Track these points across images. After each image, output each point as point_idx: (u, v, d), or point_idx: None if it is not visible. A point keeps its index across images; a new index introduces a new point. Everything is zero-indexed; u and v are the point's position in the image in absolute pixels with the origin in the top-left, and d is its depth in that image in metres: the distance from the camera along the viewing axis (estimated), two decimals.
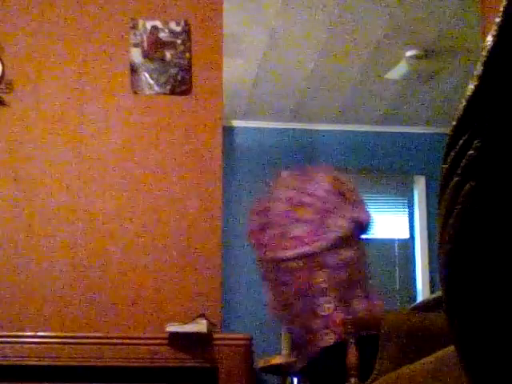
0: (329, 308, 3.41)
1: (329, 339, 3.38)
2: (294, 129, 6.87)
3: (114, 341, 3.27)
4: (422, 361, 2.27)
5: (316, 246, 3.52)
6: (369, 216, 3.72)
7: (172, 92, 3.75)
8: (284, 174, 4.05)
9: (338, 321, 3.34)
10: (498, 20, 0.57)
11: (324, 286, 3.45)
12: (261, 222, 3.72)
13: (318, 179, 3.75)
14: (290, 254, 3.53)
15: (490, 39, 0.58)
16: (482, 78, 0.58)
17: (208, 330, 3.25)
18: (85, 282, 3.54)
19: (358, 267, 3.54)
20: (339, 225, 3.57)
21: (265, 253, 3.67)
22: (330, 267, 3.49)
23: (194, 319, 3.31)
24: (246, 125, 6.82)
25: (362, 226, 3.66)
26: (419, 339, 2.85)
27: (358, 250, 3.60)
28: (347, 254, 3.53)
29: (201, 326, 3.25)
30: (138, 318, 3.52)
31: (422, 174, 6.88)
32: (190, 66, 3.77)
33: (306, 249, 3.50)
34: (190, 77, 3.77)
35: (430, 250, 6.73)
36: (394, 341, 2.90)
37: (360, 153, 6.89)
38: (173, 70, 3.75)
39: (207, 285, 3.58)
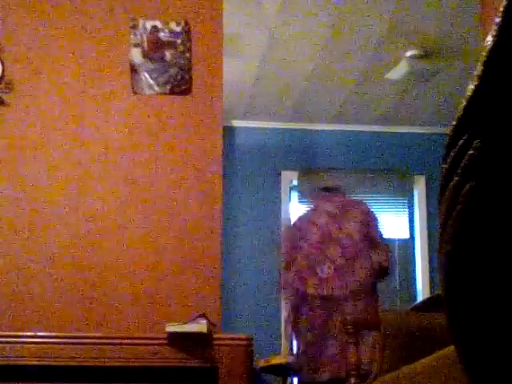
0: (335, 349, 3.67)
1: (326, 375, 3.72)
2: (293, 129, 6.87)
3: (114, 341, 3.27)
4: (422, 361, 2.27)
5: (336, 293, 3.77)
6: (389, 262, 3.98)
7: (172, 92, 3.75)
8: (326, 194, 4.32)
9: (337, 364, 3.66)
10: (497, 20, 0.57)
11: (336, 327, 3.71)
12: (295, 239, 4.01)
13: (355, 215, 3.98)
14: (311, 292, 3.81)
15: (489, 39, 0.58)
16: (482, 78, 0.58)
17: (208, 329, 3.25)
18: (85, 282, 3.54)
19: (370, 316, 3.77)
20: (361, 274, 3.81)
21: (290, 279, 4.02)
22: (346, 314, 3.77)
23: (194, 319, 3.31)
24: (246, 125, 6.82)
25: (382, 270, 3.92)
26: (419, 339, 2.85)
27: (373, 299, 3.86)
28: (362, 304, 3.76)
29: (201, 326, 3.25)
30: (137, 317, 3.52)
31: (422, 174, 6.88)
32: (190, 66, 3.77)
33: (326, 292, 3.77)
34: (190, 77, 3.77)
35: (430, 250, 6.73)
36: (394, 341, 2.90)
37: (360, 153, 6.89)
38: (173, 70, 3.75)
39: (207, 285, 3.58)
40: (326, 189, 4.37)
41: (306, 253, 3.99)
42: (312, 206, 4.33)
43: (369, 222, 3.99)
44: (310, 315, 3.88)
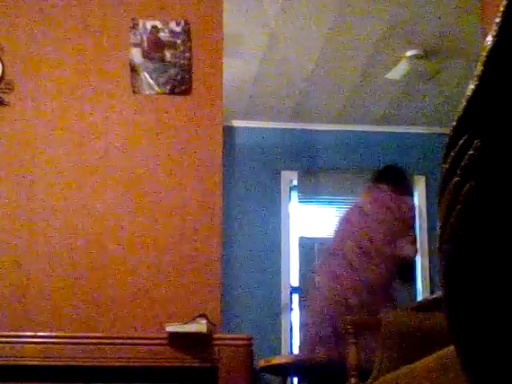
0: (330, 338, 3.87)
1: (321, 357, 3.90)
2: (293, 129, 6.87)
3: (114, 341, 3.27)
4: (422, 361, 2.27)
5: (342, 288, 3.98)
6: (411, 253, 4.06)
7: (172, 92, 3.75)
8: (379, 187, 4.39)
9: (333, 348, 3.86)
10: (497, 20, 0.57)
11: (334, 317, 3.82)
12: (340, 229, 4.19)
13: (386, 214, 4.07)
14: (319, 279, 3.96)
15: (489, 39, 0.58)
16: (482, 78, 0.58)
17: (208, 329, 3.25)
18: (85, 282, 3.54)
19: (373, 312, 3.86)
20: (370, 273, 4.00)
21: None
22: (349, 305, 3.91)
23: (193, 319, 3.31)
24: (246, 125, 6.81)
25: (403, 261, 4.02)
26: (419, 339, 2.85)
27: (381, 297, 3.96)
28: (368, 299, 3.94)
29: (201, 326, 3.25)
30: (137, 317, 3.52)
31: (422, 174, 6.87)
32: (190, 66, 3.77)
33: (333, 285, 3.87)
34: (190, 77, 3.77)
35: (430, 250, 6.73)
36: (394, 341, 2.90)
37: (360, 153, 6.89)
38: (173, 70, 3.75)
39: (207, 285, 3.58)
40: (379, 177, 4.40)
41: (329, 247, 4.14)
42: (358, 200, 4.43)
43: (399, 219, 4.06)
44: (313, 302, 4.03)
